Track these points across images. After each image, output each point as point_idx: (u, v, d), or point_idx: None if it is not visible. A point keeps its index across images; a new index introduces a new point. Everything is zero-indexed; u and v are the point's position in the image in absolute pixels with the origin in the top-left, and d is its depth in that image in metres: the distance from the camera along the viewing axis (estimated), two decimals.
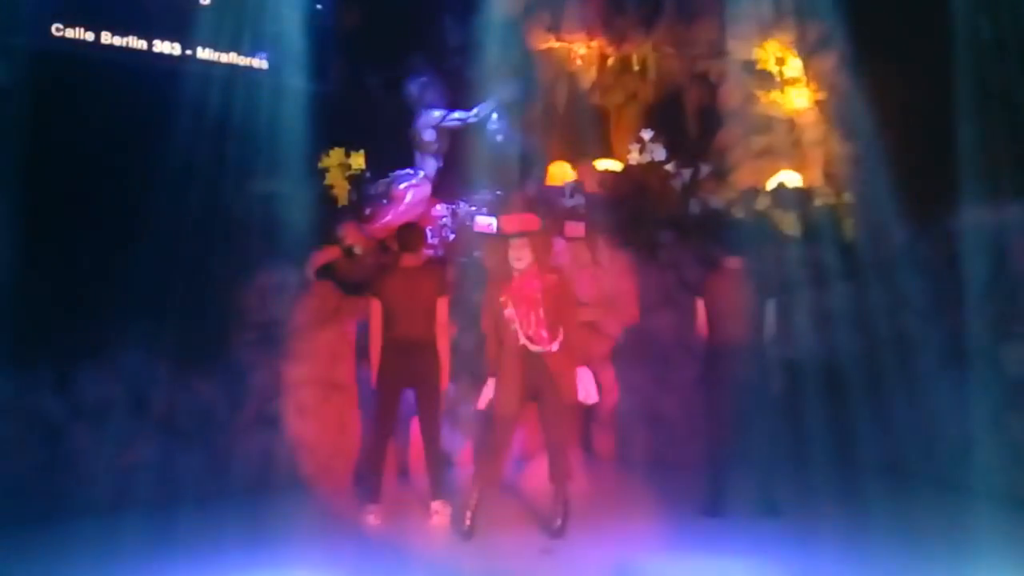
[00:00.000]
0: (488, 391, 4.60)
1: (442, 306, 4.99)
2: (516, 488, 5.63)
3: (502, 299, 4.57)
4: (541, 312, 4.55)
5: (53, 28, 6.10)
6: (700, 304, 5.13)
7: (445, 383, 5.05)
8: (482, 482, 4.62)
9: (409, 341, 4.88)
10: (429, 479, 4.96)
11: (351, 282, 6.23)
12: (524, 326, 4.52)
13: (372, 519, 4.89)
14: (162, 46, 6.56)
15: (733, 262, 5.10)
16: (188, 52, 6.66)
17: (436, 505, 4.88)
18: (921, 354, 5.97)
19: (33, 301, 5.12)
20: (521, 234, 4.60)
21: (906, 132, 6.52)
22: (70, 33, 6.17)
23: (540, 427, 4.69)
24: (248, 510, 5.16)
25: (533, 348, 4.53)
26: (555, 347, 4.57)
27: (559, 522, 4.56)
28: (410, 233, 5.12)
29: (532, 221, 4.75)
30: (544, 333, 4.54)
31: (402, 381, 4.97)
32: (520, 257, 4.58)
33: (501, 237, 4.74)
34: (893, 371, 6.14)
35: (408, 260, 5.03)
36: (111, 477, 5.11)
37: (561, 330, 4.60)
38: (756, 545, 4.41)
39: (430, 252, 6.67)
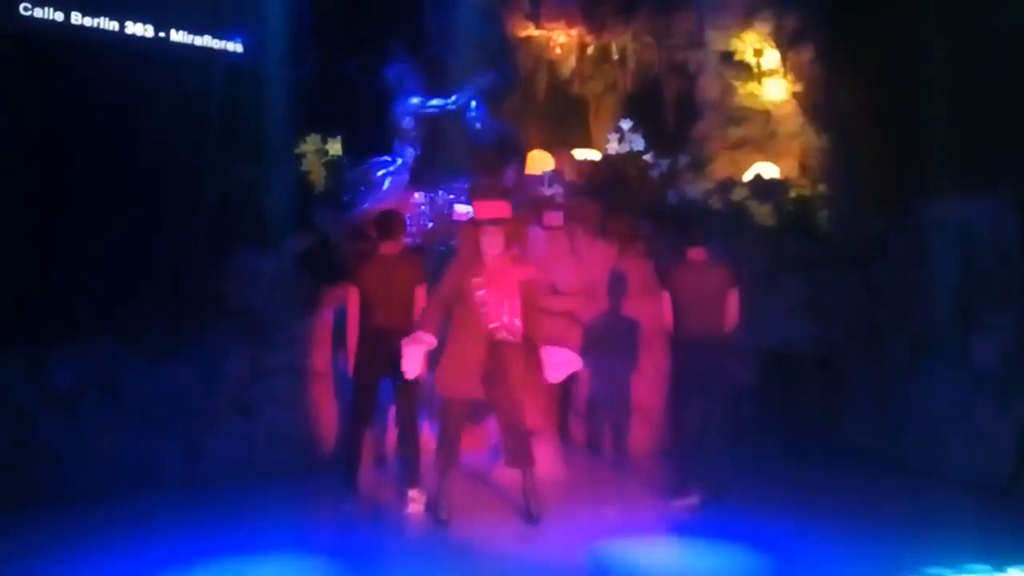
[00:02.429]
0: (414, 354, 4.38)
1: (420, 295, 4.97)
2: (491, 476, 5.64)
3: (475, 281, 4.50)
4: (516, 301, 4.51)
5: (21, 7, 5.96)
6: (666, 296, 5.14)
7: (423, 372, 5.03)
8: (442, 467, 4.61)
9: (387, 330, 4.84)
10: (406, 467, 4.95)
11: (329, 269, 6.18)
12: (496, 313, 4.47)
13: (349, 507, 4.87)
14: (134, 27, 6.45)
15: (696, 253, 5.11)
16: (161, 34, 6.55)
17: (413, 493, 4.86)
18: (892, 343, 6.06)
19: (3, 285, 5.02)
20: (494, 221, 4.56)
21: (881, 124, 6.59)
22: (39, 13, 6.04)
23: (495, 412, 4.65)
24: (222, 498, 5.11)
25: (500, 336, 4.48)
26: (519, 339, 4.52)
27: (533, 509, 4.57)
28: (388, 221, 5.08)
29: (504, 209, 4.69)
30: (516, 322, 4.50)
31: (379, 370, 4.94)
32: (492, 244, 4.54)
33: (473, 223, 4.68)
34: (864, 360, 6.23)
35: (386, 248, 4.99)
36: (83, 464, 5.04)
37: (525, 322, 4.54)
38: (727, 530, 4.45)
39: (408, 240, 6.64)
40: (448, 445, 4.60)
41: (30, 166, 5.49)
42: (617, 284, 6.71)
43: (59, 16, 6.11)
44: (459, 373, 4.48)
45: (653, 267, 6.86)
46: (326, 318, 6.09)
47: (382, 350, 4.85)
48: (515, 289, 4.53)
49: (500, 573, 3.91)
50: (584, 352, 6.68)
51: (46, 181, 5.48)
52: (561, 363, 4.52)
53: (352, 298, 4.91)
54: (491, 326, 4.46)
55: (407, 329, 4.88)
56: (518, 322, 4.51)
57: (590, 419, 6.68)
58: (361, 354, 4.89)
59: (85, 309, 5.19)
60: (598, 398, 6.65)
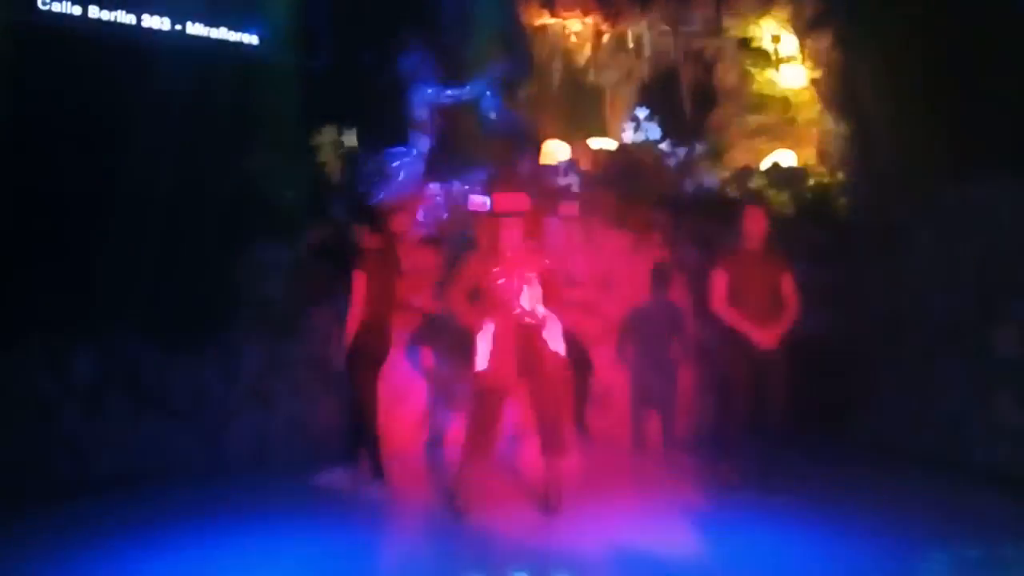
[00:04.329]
0: (483, 351, 4.57)
1: (399, 287, 5.07)
2: (510, 465, 5.65)
3: (495, 272, 4.58)
4: (537, 288, 4.62)
5: (39, 1, 6.00)
6: (718, 280, 5.06)
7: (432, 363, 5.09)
8: (473, 456, 4.63)
9: (373, 321, 4.91)
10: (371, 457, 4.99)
11: (344, 260, 6.20)
12: (521, 298, 4.56)
13: (378, 493, 4.91)
14: (151, 20, 6.47)
15: (752, 242, 5.03)
16: (178, 27, 6.58)
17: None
18: (912, 332, 6.00)
19: (26, 279, 5.08)
20: (512, 213, 4.61)
21: (901, 110, 6.49)
22: (57, 7, 6.08)
23: (531, 402, 4.70)
24: (242, 488, 5.16)
25: (527, 321, 4.57)
26: (547, 324, 4.62)
27: (553, 499, 4.59)
28: (366, 214, 5.15)
29: (523, 201, 4.77)
30: (540, 308, 4.60)
31: (370, 359, 4.99)
32: (511, 236, 4.64)
33: (492, 215, 4.74)
34: (884, 349, 6.17)
35: (370, 241, 5.05)
36: (105, 455, 5.11)
37: (549, 311, 4.66)
38: (746, 520, 4.44)
39: (423, 230, 6.65)
40: (482, 435, 4.60)
41: (49, 159, 5.54)
42: (639, 275, 6.67)
43: (77, 10, 6.16)
44: (495, 363, 4.54)
45: (672, 256, 6.83)
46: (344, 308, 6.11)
47: (370, 341, 4.93)
48: (535, 277, 4.64)
49: (516, 563, 3.92)
50: (607, 343, 6.71)
51: (65, 174, 5.53)
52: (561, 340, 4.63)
53: (357, 287, 4.95)
54: (515, 312, 4.55)
55: (386, 321, 4.96)
56: (540, 308, 4.61)
57: (614, 410, 6.67)
58: (355, 345, 4.95)
59: (106, 302, 5.24)
60: (620, 388, 6.65)
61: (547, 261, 4.84)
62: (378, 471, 4.97)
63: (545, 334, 4.61)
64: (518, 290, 4.58)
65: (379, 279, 4.98)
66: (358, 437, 5.07)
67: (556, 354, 4.62)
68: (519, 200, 4.78)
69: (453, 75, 8.17)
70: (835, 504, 4.69)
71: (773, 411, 4.90)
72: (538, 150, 8.19)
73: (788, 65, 8.44)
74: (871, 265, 6.50)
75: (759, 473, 4.94)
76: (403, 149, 7.65)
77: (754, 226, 5.00)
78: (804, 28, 8.05)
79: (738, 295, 4.97)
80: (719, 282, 5.03)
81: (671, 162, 8.04)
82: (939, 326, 5.77)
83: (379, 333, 5.00)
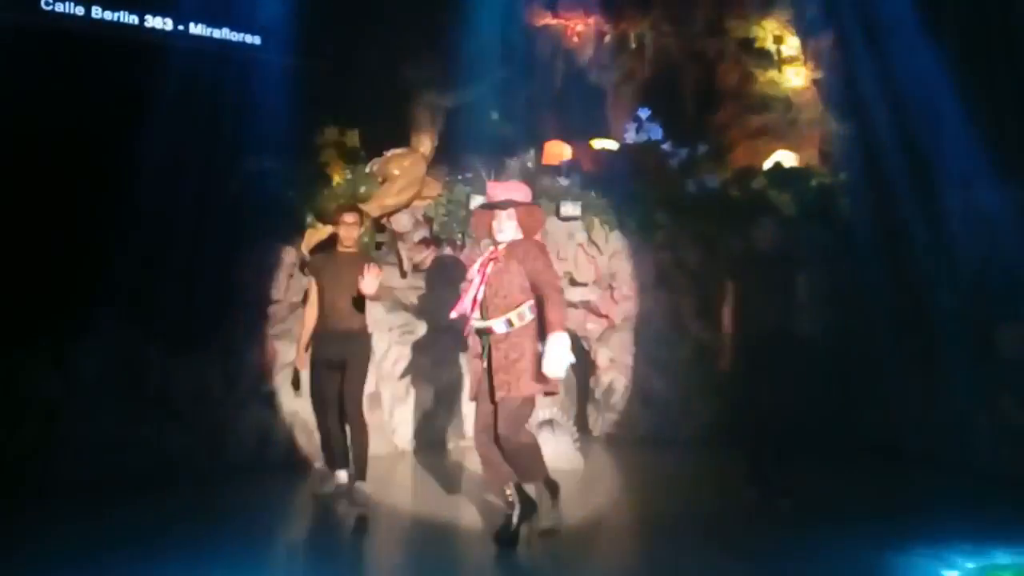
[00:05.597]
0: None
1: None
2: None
3: (474, 265, 4.08)
4: (481, 290, 3.89)
5: (43, 2, 6.02)
6: (724, 285, 5.06)
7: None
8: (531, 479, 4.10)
9: (331, 324, 4.74)
10: (353, 460, 4.76)
11: None
12: (475, 299, 3.91)
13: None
14: (154, 21, 6.48)
15: (763, 245, 5.01)
16: (180, 27, 6.59)
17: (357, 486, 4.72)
18: (916, 334, 5.99)
19: (30, 280, 5.09)
20: (506, 204, 3.97)
21: (903, 111, 6.48)
22: (60, 7, 6.09)
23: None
24: (243, 487, 5.16)
25: (476, 324, 3.93)
26: (499, 328, 3.83)
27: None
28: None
29: (519, 189, 4.10)
30: (513, 317, 3.84)
31: (332, 366, 4.76)
32: (501, 229, 3.95)
33: (485, 205, 4.16)
34: (888, 350, 6.17)
35: (344, 244, 4.92)
36: (106, 454, 5.11)
37: (510, 312, 3.83)
38: (751, 522, 4.44)
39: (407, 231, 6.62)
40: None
41: (52, 160, 5.54)
42: (641, 276, 6.67)
43: (80, 10, 6.17)
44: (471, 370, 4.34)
45: (674, 257, 6.83)
46: None
47: (332, 347, 4.74)
48: (484, 275, 3.92)
49: (515, 566, 3.91)
50: (608, 343, 6.71)
51: (68, 175, 5.53)
52: (558, 359, 3.66)
53: (311, 292, 4.91)
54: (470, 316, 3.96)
55: (350, 324, 4.74)
56: (514, 317, 3.85)
57: (614, 410, 6.67)
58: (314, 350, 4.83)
59: (109, 303, 5.25)
60: (621, 388, 6.65)
61: (541, 261, 3.87)
62: (336, 466, 4.83)
63: (496, 349, 3.79)
64: (482, 290, 3.86)
65: (337, 284, 4.74)
66: (329, 439, 4.88)
67: (505, 381, 3.76)
68: (514, 188, 4.09)
69: (455, 75, 8.17)
70: (839, 505, 4.68)
71: (775, 412, 4.89)
72: (540, 151, 8.19)
73: (790, 65, 8.44)
74: (873, 266, 6.49)
75: (763, 474, 4.93)
76: (405, 150, 7.64)
77: (761, 233, 5.00)
78: (806, 28, 8.05)
79: (747, 298, 4.97)
80: (724, 287, 5.04)
81: (673, 163, 8.04)
82: (942, 328, 5.76)
83: (339, 337, 4.72)
